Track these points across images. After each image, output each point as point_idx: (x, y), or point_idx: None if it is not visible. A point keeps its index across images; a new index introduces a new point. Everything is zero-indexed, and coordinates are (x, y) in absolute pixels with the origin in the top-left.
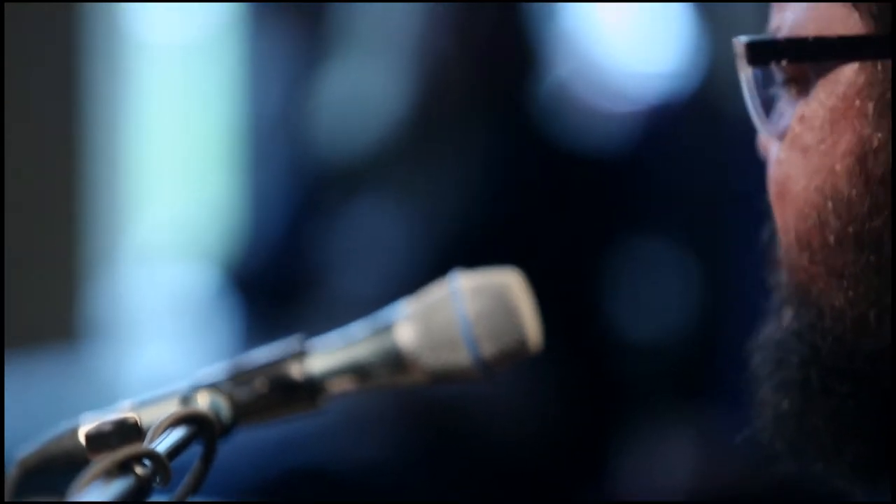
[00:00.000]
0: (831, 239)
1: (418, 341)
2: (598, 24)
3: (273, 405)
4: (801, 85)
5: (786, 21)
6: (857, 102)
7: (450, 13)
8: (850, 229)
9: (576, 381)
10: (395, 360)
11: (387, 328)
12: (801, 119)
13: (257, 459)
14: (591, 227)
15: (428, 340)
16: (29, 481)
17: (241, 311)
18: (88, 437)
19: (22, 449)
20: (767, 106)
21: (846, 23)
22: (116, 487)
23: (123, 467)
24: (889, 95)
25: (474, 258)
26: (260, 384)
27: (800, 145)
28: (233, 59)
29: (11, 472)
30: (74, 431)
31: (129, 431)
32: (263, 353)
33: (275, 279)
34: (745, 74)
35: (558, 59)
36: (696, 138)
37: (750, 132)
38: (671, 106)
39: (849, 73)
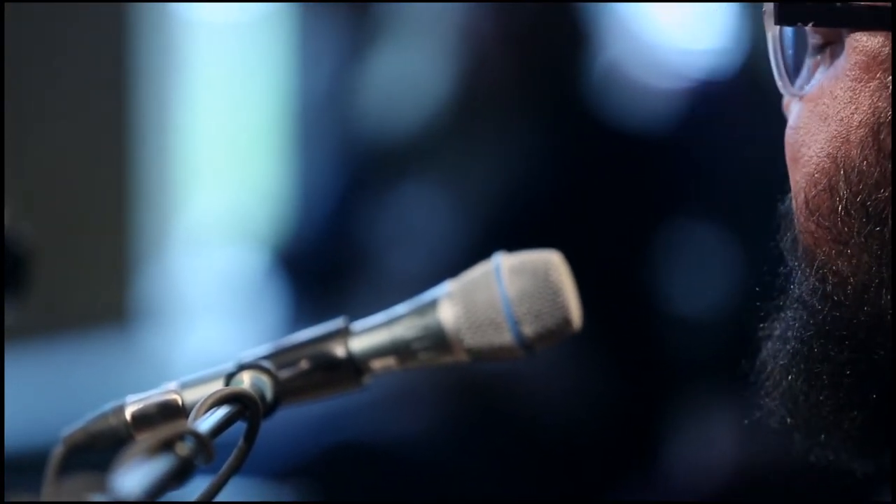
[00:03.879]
0: (839, 206)
1: (460, 320)
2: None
3: (316, 384)
4: (829, 52)
5: None
6: (879, 74)
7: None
8: (859, 199)
9: (620, 359)
10: (438, 339)
11: (429, 308)
12: (824, 86)
13: (300, 436)
14: (639, 204)
15: (470, 320)
16: (73, 458)
17: (289, 292)
18: (134, 415)
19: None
20: (797, 67)
21: None
22: (158, 465)
23: (166, 445)
24: None
25: (520, 239)
26: (303, 363)
27: (819, 112)
28: (281, 40)
29: (57, 449)
30: (119, 410)
31: (172, 411)
32: (307, 333)
33: (322, 261)
34: (772, 33)
35: (607, 38)
36: (744, 113)
37: None
38: (720, 82)
39: (874, 44)
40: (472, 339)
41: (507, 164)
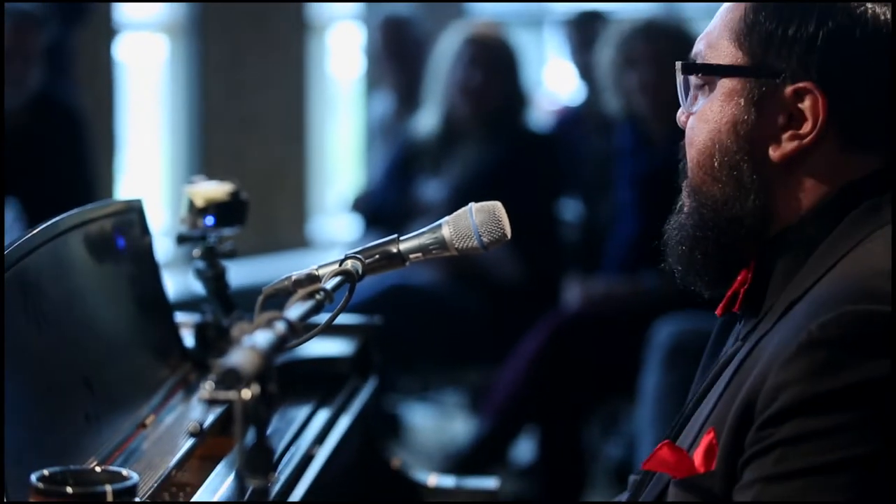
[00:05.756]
0: (716, 163)
1: (452, 235)
2: (567, 71)
3: (382, 266)
4: (706, 88)
5: (700, 49)
6: (735, 97)
7: (479, 73)
8: (726, 158)
9: (531, 250)
10: (441, 245)
11: (437, 229)
12: (705, 106)
13: (372, 284)
14: (545, 180)
15: (457, 234)
16: (269, 301)
17: (366, 228)
18: (295, 280)
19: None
20: (688, 97)
21: (733, 54)
22: (306, 305)
23: (310, 295)
24: (754, 94)
25: (481, 198)
26: (377, 255)
27: (704, 117)
28: (365, 93)
29: (259, 297)
30: (289, 278)
31: (314, 279)
32: (378, 241)
33: (385, 216)
34: (679, 79)
35: (537, 99)
36: (589, 125)
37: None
38: (577, 108)
39: (731, 83)
40: (458, 244)
41: (472, 164)
